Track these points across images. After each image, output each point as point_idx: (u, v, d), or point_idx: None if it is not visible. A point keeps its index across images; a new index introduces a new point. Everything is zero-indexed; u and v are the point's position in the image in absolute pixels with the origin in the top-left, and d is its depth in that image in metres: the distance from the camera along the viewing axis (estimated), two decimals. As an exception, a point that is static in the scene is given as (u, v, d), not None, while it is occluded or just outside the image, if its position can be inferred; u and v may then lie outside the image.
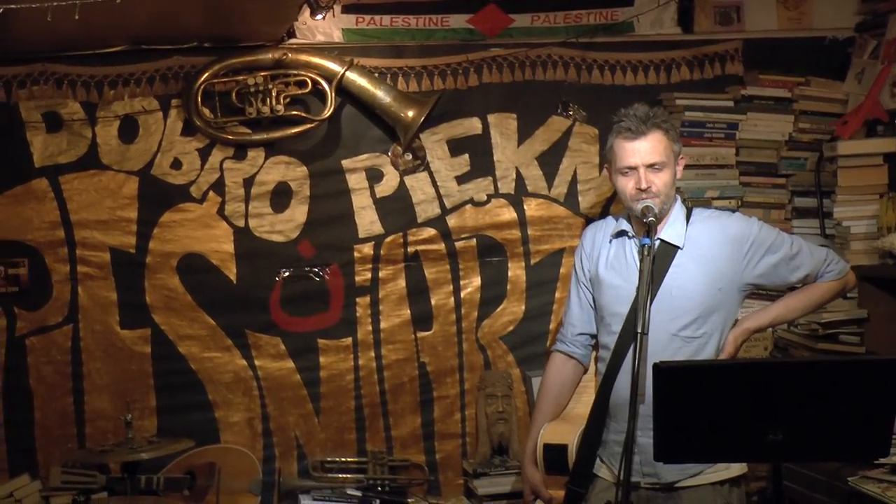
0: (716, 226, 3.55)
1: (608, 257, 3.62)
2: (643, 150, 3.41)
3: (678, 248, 3.49)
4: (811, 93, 5.00)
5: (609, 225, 3.70)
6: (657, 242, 3.48)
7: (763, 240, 3.52)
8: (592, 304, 3.72)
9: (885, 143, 4.65)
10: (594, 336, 3.75)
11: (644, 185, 3.41)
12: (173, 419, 4.90)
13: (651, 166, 3.42)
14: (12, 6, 3.58)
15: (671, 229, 3.52)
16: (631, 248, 3.54)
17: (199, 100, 4.74)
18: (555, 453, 3.74)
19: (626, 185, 3.46)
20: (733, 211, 4.50)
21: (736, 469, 3.49)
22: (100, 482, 4.62)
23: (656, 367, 2.76)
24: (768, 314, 3.73)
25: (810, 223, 4.99)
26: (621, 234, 3.60)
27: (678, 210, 3.57)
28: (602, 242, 3.66)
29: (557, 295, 5.12)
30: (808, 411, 2.76)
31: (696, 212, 3.61)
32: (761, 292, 4.32)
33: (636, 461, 3.22)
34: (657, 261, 3.46)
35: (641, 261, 3.30)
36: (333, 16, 4.85)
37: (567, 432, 3.74)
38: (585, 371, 3.86)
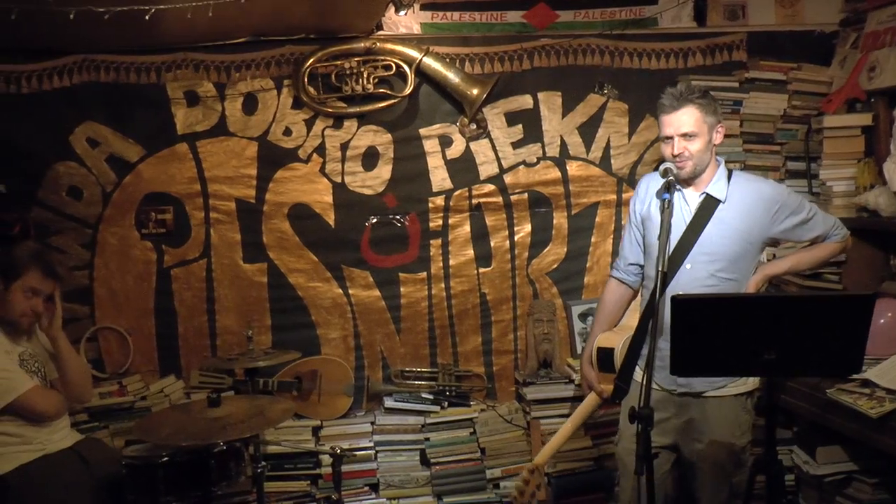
0: (753, 187, 3.52)
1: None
2: (676, 122, 3.43)
3: (720, 201, 3.47)
4: (802, 76, 4.96)
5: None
6: (703, 196, 3.49)
7: (789, 204, 3.51)
8: (641, 242, 3.70)
9: (862, 117, 4.64)
10: (643, 266, 3.74)
11: (677, 152, 3.42)
12: (284, 335, 4.95)
13: (684, 135, 3.42)
14: (162, 7, 3.64)
15: (715, 186, 3.49)
16: (678, 196, 3.52)
17: (306, 80, 4.76)
18: (605, 355, 3.83)
19: (666, 149, 3.48)
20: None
21: (752, 384, 3.53)
22: (227, 383, 4.70)
23: (673, 299, 2.81)
24: (784, 264, 3.72)
25: (800, 183, 4.93)
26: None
27: (721, 171, 3.53)
28: (654, 189, 3.62)
29: (593, 239, 5.10)
30: (796, 336, 2.80)
31: (736, 173, 3.58)
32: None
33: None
34: (702, 210, 3.48)
35: (662, 212, 3.30)
36: (413, 12, 4.85)
37: (616, 340, 3.81)
38: (635, 294, 3.87)
